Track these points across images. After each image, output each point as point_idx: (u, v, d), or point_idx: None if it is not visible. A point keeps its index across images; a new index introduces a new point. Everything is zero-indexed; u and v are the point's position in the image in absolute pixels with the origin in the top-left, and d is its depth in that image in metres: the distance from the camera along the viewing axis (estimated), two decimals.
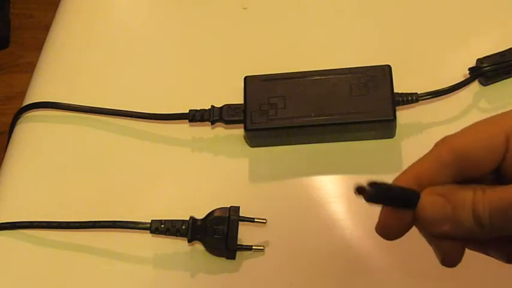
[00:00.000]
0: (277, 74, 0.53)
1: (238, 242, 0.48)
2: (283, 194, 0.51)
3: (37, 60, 0.62)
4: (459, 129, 0.32)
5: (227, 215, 0.48)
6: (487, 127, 0.32)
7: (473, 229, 0.31)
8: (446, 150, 0.32)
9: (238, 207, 0.48)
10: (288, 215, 0.50)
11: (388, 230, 0.33)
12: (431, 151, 0.33)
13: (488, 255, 0.34)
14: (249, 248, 0.48)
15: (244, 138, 0.53)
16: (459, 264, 0.33)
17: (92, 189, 0.53)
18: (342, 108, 0.51)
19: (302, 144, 0.53)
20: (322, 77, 0.52)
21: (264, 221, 0.49)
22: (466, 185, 0.32)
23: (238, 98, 0.53)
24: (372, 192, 0.30)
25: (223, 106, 0.53)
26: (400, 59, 0.53)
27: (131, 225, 0.49)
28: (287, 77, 0.52)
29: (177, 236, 0.48)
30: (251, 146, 0.53)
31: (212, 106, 0.53)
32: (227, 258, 0.48)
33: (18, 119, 0.58)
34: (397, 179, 0.33)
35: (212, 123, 0.53)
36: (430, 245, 0.33)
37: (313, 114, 0.51)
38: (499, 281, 0.46)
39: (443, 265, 0.33)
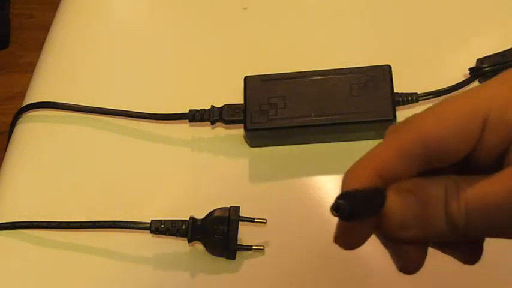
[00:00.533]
0: (277, 74, 0.53)
1: (238, 242, 0.48)
2: (283, 194, 0.51)
3: (37, 60, 0.62)
4: None
5: (227, 215, 0.48)
6: (461, 108, 0.26)
7: (444, 232, 0.26)
8: (414, 140, 0.26)
9: (238, 207, 0.48)
10: (288, 215, 0.50)
11: (349, 240, 0.28)
12: (393, 138, 0.27)
13: (444, 253, 0.30)
14: (249, 248, 0.48)
15: (244, 138, 0.53)
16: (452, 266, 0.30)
17: (92, 189, 0.53)
18: (342, 108, 0.51)
19: (302, 144, 0.53)
20: (322, 77, 0.52)
21: (264, 221, 0.49)
22: (433, 178, 0.27)
23: (238, 98, 0.53)
24: (347, 210, 0.25)
25: (223, 106, 0.53)
26: (400, 59, 0.53)
27: (131, 225, 0.49)
28: (287, 77, 0.52)
29: (177, 236, 0.48)
30: (251, 146, 0.53)
31: (212, 106, 0.53)
32: (227, 258, 0.48)
33: (18, 119, 0.58)
34: (352, 171, 0.27)
35: (212, 123, 0.53)
36: (387, 249, 0.29)
37: (313, 114, 0.51)
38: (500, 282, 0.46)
39: (403, 272, 0.29)
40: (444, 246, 0.29)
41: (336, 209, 0.25)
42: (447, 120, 0.26)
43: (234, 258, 0.48)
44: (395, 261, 0.29)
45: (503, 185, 0.25)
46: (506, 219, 0.25)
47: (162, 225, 0.49)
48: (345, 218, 0.25)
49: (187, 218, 0.49)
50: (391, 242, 0.28)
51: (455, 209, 0.26)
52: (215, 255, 0.49)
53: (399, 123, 0.28)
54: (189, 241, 0.48)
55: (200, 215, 0.49)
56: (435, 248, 0.29)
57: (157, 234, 0.49)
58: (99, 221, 0.50)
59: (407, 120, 0.27)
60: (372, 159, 0.27)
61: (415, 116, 0.27)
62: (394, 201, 0.26)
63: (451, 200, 0.26)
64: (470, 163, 0.28)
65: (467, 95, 0.27)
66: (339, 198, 0.25)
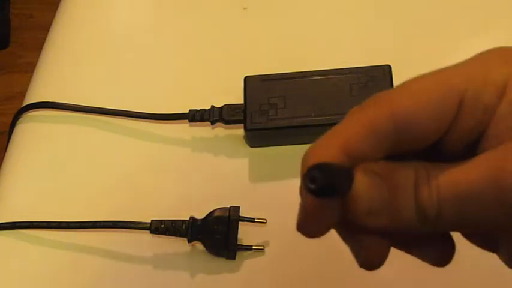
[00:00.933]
0: (277, 74, 0.53)
1: (238, 242, 0.48)
2: (283, 194, 0.51)
3: (37, 60, 0.62)
4: None
5: (227, 215, 0.48)
6: (435, 85, 0.25)
7: (413, 222, 0.24)
8: (384, 116, 0.24)
9: (238, 207, 0.48)
10: (288, 215, 0.50)
11: (313, 227, 0.26)
12: (361, 114, 0.24)
13: (411, 254, 0.27)
14: (249, 248, 0.48)
15: (244, 138, 0.53)
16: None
17: (92, 189, 0.53)
18: (342, 108, 0.50)
19: (302, 144, 0.53)
20: (322, 77, 0.52)
21: (264, 221, 0.49)
22: (401, 163, 0.24)
23: (238, 98, 0.53)
24: (322, 181, 0.22)
25: (223, 106, 0.53)
26: (400, 59, 0.53)
27: (131, 225, 0.49)
28: (287, 77, 0.52)
29: (177, 236, 0.48)
30: (251, 146, 0.53)
31: (212, 106, 0.53)
32: (227, 258, 0.48)
33: (18, 119, 0.58)
34: (316, 148, 0.25)
35: (212, 123, 0.53)
36: (347, 243, 0.26)
37: (313, 114, 0.51)
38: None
39: (364, 268, 0.27)
40: (411, 245, 0.27)
41: (311, 179, 0.22)
42: (421, 96, 0.24)
43: (234, 258, 0.48)
44: (356, 256, 0.26)
45: (480, 172, 0.23)
46: (481, 209, 0.23)
47: (162, 225, 0.49)
48: (319, 192, 0.22)
49: (187, 218, 0.49)
50: (352, 233, 0.26)
51: (426, 196, 0.23)
52: (215, 255, 0.49)
53: (368, 99, 0.25)
54: (189, 241, 0.48)
55: (200, 215, 0.49)
56: (400, 249, 0.27)
57: (157, 234, 0.49)
58: (99, 221, 0.50)
59: (377, 95, 0.25)
60: (337, 135, 0.25)
61: (385, 91, 0.25)
62: (361, 182, 0.24)
63: (422, 186, 0.23)
64: (439, 149, 0.25)
65: (443, 72, 0.25)
66: (312, 168, 0.22)
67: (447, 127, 0.24)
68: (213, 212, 0.48)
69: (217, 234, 0.47)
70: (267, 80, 0.52)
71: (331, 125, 0.51)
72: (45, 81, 0.60)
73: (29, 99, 0.58)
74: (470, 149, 0.25)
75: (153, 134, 0.55)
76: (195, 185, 0.53)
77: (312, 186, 0.22)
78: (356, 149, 0.24)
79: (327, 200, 0.24)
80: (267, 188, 0.52)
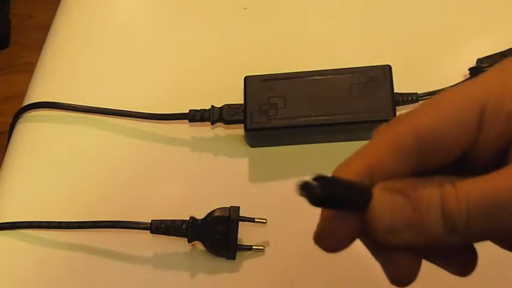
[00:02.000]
0: (277, 74, 0.53)
1: (238, 242, 0.48)
2: (283, 194, 0.51)
3: (37, 60, 0.62)
4: None
5: (227, 215, 0.48)
6: (455, 100, 0.25)
7: (440, 235, 0.24)
8: (407, 133, 0.24)
9: (238, 207, 0.48)
10: (288, 215, 0.50)
11: (330, 240, 0.26)
12: (385, 133, 0.25)
13: (435, 263, 0.27)
14: (249, 248, 0.48)
15: (244, 138, 0.53)
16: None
17: (91, 189, 0.53)
18: (342, 108, 0.51)
19: (302, 144, 0.53)
20: (322, 77, 0.52)
21: (264, 221, 0.49)
22: (427, 178, 0.25)
23: (238, 98, 0.53)
24: (317, 191, 0.23)
25: (223, 106, 0.53)
26: (400, 59, 0.53)
27: (131, 225, 0.49)
28: (287, 77, 0.52)
29: (177, 235, 0.48)
30: (251, 146, 0.53)
31: (212, 106, 0.53)
32: (227, 258, 0.48)
33: (18, 119, 0.58)
34: (343, 165, 0.26)
35: (212, 123, 0.53)
36: (376, 258, 0.26)
37: (313, 114, 0.51)
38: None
39: (394, 284, 0.26)
40: (435, 256, 0.27)
41: (302, 187, 0.23)
42: (441, 111, 0.24)
43: (234, 258, 0.48)
44: (386, 272, 0.26)
45: (508, 180, 0.23)
46: (511, 217, 0.23)
47: (162, 225, 0.49)
48: (313, 200, 0.23)
49: (187, 218, 0.49)
50: (381, 249, 0.26)
51: (454, 208, 0.23)
52: (215, 255, 0.49)
53: (392, 120, 0.26)
54: (189, 241, 0.48)
55: (200, 215, 0.49)
56: (426, 259, 0.27)
57: (158, 234, 0.49)
58: (99, 221, 0.50)
59: (400, 115, 0.26)
60: (363, 153, 0.26)
61: (408, 111, 0.26)
62: (380, 200, 0.24)
63: (449, 198, 0.23)
64: (465, 164, 0.25)
65: (462, 86, 0.25)
66: (314, 179, 0.23)
67: (471, 139, 0.25)
68: (213, 212, 0.48)
69: (217, 234, 0.47)
70: (267, 80, 0.52)
71: (331, 125, 0.51)
72: (45, 81, 0.60)
73: (29, 99, 0.58)
74: (501, 160, 0.25)
75: (153, 134, 0.55)
76: (195, 185, 0.53)
77: (303, 193, 0.23)
78: (380, 166, 0.25)
79: (339, 213, 0.25)
80: (267, 188, 0.52)
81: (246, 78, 0.53)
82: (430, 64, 0.55)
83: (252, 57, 0.58)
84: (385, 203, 0.24)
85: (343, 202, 0.24)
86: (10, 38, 1.54)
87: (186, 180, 0.53)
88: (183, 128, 0.54)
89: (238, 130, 0.53)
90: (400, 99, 0.51)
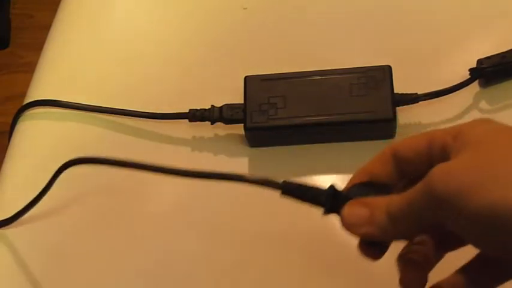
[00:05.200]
0: (277, 74, 0.53)
1: None
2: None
3: (37, 60, 0.62)
4: None
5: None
6: (418, 135, 0.38)
7: (386, 227, 0.36)
8: (388, 150, 0.38)
9: None
10: (288, 215, 0.50)
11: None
12: (380, 152, 0.39)
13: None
14: None
15: (244, 138, 0.53)
16: None
17: (91, 188, 0.53)
18: (342, 108, 0.51)
19: (302, 144, 0.53)
20: (322, 77, 0.52)
21: None
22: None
23: (238, 98, 0.53)
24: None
25: (223, 106, 0.53)
26: (400, 59, 0.53)
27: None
28: (287, 77, 0.52)
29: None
30: (251, 146, 0.53)
31: (212, 105, 0.53)
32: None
33: (19, 116, 0.58)
34: (354, 175, 0.39)
35: (212, 122, 0.53)
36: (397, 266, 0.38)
37: (313, 114, 0.51)
38: None
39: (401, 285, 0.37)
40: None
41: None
42: (407, 140, 0.38)
43: None
44: (399, 277, 0.37)
45: (403, 198, 0.35)
46: (408, 224, 0.35)
47: None
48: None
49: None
50: (397, 261, 0.38)
51: (383, 212, 0.36)
52: None
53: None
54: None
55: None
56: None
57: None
58: None
59: (392, 142, 0.40)
60: (367, 165, 0.39)
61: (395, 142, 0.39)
62: (346, 209, 0.37)
63: (393, 203, 0.36)
64: None
65: (433, 130, 0.38)
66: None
67: (428, 160, 0.36)
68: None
69: None
70: (267, 80, 0.52)
71: (331, 124, 0.51)
72: (45, 81, 0.60)
73: (30, 99, 0.58)
74: None
75: (153, 133, 0.55)
76: (195, 184, 0.53)
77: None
78: (373, 171, 0.38)
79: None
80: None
81: (246, 78, 0.53)
82: (430, 64, 0.55)
83: (252, 57, 0.58)
84: (348, 208, 0.37)
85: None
86: (10, 38, 1.54)
87: (186, 179, 0.53)
88: (183, 128, 0.54)
89: (238, 130, 0.53)
90: (400, 99, 0.51)
